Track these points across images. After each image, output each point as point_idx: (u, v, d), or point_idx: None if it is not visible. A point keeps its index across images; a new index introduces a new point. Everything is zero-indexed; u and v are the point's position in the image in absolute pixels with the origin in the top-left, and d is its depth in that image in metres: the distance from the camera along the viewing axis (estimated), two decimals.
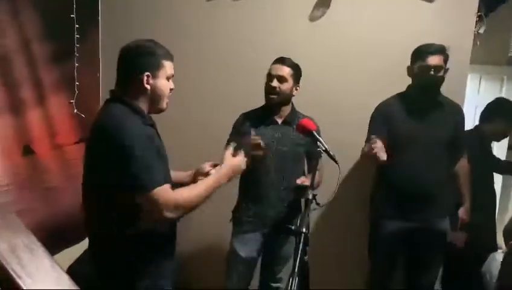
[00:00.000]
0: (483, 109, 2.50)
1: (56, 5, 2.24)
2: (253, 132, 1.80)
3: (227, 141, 1.92)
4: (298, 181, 1.76)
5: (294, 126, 1.84)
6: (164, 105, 1.37)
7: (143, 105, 1.32)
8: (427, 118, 1.96)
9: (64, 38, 2.29)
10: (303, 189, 1.69)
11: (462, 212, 2.10)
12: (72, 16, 2.29)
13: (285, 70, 1.86)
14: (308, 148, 1.90)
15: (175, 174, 1.45)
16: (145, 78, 1.29)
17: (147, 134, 1.24)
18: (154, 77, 1.31)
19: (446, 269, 2.28)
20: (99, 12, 2.58)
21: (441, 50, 1.90)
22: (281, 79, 1.85)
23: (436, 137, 1.95)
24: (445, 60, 1.92)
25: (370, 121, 2.07)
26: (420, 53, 1.92)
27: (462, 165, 2.11)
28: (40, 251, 0.77)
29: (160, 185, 1.18)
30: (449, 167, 2.06)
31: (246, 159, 1.44)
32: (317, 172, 1.83)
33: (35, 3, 2.10)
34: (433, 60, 1.88)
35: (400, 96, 2.05)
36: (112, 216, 1.26)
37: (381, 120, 2.02)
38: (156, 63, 1.31)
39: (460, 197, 2.10)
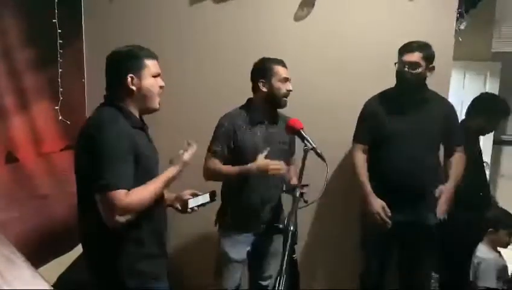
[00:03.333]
0: (469, 104, 2.54)
1: (37, 10, 2.21)
2: (264, 154, 1.80)
3: (213, 145, 1.90)
4: (292, 181, 1.85)
5: (279, 125, 1.90)
6: (156, 104, 1.40)
7: (133, 107, 1.37)
8: (412, 113, 1.98)
9: (47, 44, 2.26)
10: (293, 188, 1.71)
11: (442, 189, 1.98)
12: (54, 20, 2.26)
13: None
14: (290, 146, 1.97)
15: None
16: (129, 79, 1.33)
17: (125, 135, 1.26)
18: (139, 77, 1.35)
19: (441, 259, 2.31)
20: (83, 17, 2.55)
21: (420, 47, 1.92)
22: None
23: (422, 132, 1.96)
24: (426, 58, 1.93)
25: (358, 119, 2.14)
26: (400, 50, 1.97)
27: (459, 155, 2.08)
28: (20, 262, 0.75)
29: (118, 188, 1.20)
30: (437, 162, 2.07)
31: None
32: (292, 167, 1.89)
33: (16, 8, 2.06)
34: (408, 57, 1.92)
35: (386, 93, 2.09)
36: (94, 215, 1.27)
37: (367, 118, 2.09)
38: (138, 64, 1.35)
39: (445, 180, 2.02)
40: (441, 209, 1.96)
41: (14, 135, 2.08)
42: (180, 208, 1.57)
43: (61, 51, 2.32)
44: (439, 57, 2.08)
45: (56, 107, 2.30)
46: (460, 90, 3.52)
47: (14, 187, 2.06)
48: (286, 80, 1.89)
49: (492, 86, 3.49)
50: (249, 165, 1.79)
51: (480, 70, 3.53)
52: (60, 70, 2.32)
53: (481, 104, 2.48)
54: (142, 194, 1.27)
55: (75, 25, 2.51)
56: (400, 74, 1.96)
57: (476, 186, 2.37)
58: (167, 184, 1.37)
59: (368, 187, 2.01)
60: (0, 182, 1.99)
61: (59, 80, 2.32)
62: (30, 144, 2.18)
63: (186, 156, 1.41)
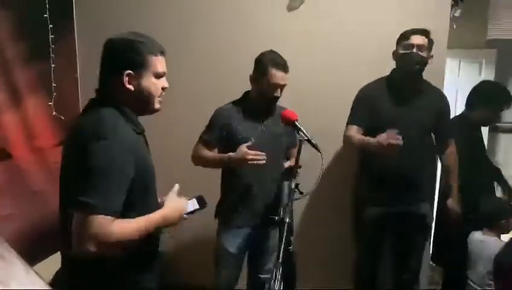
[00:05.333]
0: (468, 94, 2.45)
1: (28, 5, 2.18)
2: (250, 142, 1.79)
3: (203, 134, 1.90)
4: (286, 165, 1.82)
5: (275, 116, 1.87)
6: (156, 105, 1.19)
7: (130, 107, 1.16)
8: (408, 102, 1.97)
9: (38, 39, 2.24)
10: (290, 170, 1.72)
11: (450, 203, 2.13)
12: (45, 15, 2.24)
13: (288, 78, 1.84)
14: (289, 138, 1.93)
15: None
16: (126, 77, 1.12)
17: (128, 148, 1.07)
18: (139, 75, 1.14)
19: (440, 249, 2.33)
20: (74, 11, 2.52)
21: (425, 32, 1.93)
22: (283, 87, 1.84)
23: (417, 122, 1.96)
24: (429, 44, 1.94)
25: (353, 103, 2.08)
26: (404, 34, 1.95)
27: (451, 152, 2.10)
28: (12, 257, 0.74)
29: (105, 213, 1.00)
30: (431, 152, 2.07)
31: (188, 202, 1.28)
32: (293, 160, 1.87)
33: (6, 4, 2.04)
34: (417, 39, 1.91)
35: (384, 79, 2.06)
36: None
37: (363, 103, 2.04)
38: (140, 60, 1.13)
39: (448, 188, 2.13)
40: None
41: (7, 131, 2.07)
42: None
43: (53, 46, 2.31)
44: (434, 45, 2.07)
45: (49, 103, 2.29)
46: (455, 78, 3.52)
47: (8, 184, 2.05)
48: (277, 86, 1.79)
49: (487, 74, 3.48)
50: (229, 154, 1.79)
51: (475, 57, 3.51)
52: (53, 65, 2.31)
53: (483, 94, 2.38)
54: (126, 228, 1.05)
55: (66, 20, 2.48)
56: (406, 56, 1.91)
57: (477, 180, 2.31)
58: (153, 228, 1.13)
59: (366, 138, 1.93)
60: None
61: (52, 75, 2.31)
62: (24, 140, 2.17)
63: (176, 201, 1.24)
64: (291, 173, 1.74)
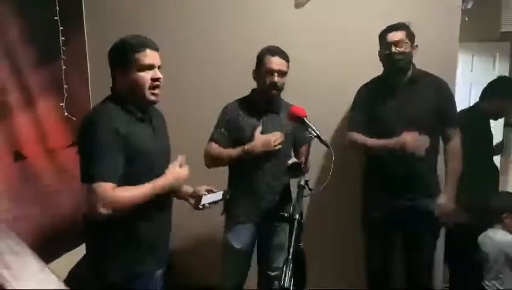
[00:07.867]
0: (484, 86, 2.45)
1: (39, 8, 2.22)
2: (259, 129, 1.80)
3: (213, 133, 1.90)
4: (289, 161, 1.74)
5: (281, 114, 1.87)
6: (150, 97, 1.34)
7: (128, 99, 1.33)
8: (403, 97, 1.94)
9: (49, 41, 2.27)
10: (297, 166, 1.69)
11: (443, 199, 1.95)
12: (55, 18, 2.27)
13: (287, 65, 1.84)
14: (295, 135, 1.92)
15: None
16: (117, 74, 1.34)
17: (114, 129, 1.25)
18: (127, 71, 1.31)
19: (448, 247, 2.29)
20: (83, 13, 2.55)
21: (401, 26, 1.90)
22: (283, 74, 1.83)
23: (415, 116, 1.90)
24: (409, 36, 1.90)
25: (350, 108, 2.11)
26: (382, 34, 1.94)
27: (452, 146, 1.99)
28: (27, 254, 0.76)
29: (103, 180, 1.21)
30: (435, 144, 2.01)
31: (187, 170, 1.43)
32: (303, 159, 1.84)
33: (17, 7, 2.07)
34: (393, 36, 1.89)
35: (377, 79, 2.06)
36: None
37: (362, 103, 2.05)
38: (123, 58, 1.30)
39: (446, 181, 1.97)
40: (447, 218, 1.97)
41: (21, 133, 2.11)
42: (193, 203, 1.58)
43: (63, 48, 2.34)
44: (445, 38, 2.04)
45: (61, 104, 2.32)
46: (468, 72, 3.45)
47: (23, 185, 2.09)
48: (273, 71, 1.79)
49: (502, 68, 3.40)
50: (249, 144, 1.78)
51: (489, 51, 3.44)
52: (64, 67, 2.34)
53: (497, 88, 2.39)
54: (130, 193, 1.26)
55: (76, 22, 2.51)
56: (388, 56, 1.90)
57: (484, 173, 2.31)
58: (158, 192, 1.31)
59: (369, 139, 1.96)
60: (10, 180, 2.03)
61: (63, 76, 2.34)
62: (37, 142, 2.21)
63: (178, 170, 1.39)
64: (296, 169, 1.74)
